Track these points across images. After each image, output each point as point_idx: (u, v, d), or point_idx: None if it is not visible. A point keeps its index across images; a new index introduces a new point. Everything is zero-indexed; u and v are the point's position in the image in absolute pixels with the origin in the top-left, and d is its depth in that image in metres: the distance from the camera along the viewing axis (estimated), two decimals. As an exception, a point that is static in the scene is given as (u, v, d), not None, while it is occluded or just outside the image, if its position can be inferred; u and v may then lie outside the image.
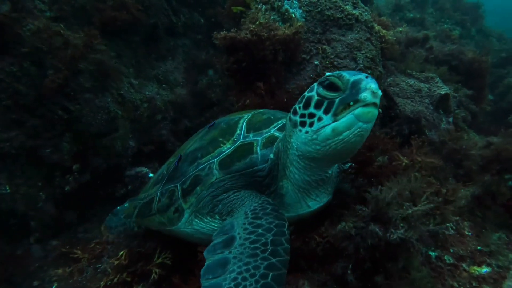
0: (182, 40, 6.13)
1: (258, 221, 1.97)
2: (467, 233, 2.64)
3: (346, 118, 1.89)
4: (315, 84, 2.05)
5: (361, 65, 3.66)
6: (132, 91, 4.87)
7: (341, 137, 1.92)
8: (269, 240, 1.83)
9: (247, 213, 2.07)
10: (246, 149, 2.41)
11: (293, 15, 3.71)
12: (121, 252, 2.87)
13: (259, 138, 2.45)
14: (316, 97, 2.00)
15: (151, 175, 4.97)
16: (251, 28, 3.43)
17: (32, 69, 3.74)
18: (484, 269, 2.37)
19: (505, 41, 11.34)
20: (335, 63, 3.63)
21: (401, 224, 1.93)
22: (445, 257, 2.41)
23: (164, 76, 5.62)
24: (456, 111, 4.74)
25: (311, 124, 2.00)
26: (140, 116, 4.92)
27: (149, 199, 2.78)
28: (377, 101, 1.86)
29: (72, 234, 4.33)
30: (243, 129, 2.56)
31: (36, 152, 3.92)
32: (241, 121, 2.65)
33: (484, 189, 2.71)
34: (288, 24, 3.60)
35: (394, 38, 4.41)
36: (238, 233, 1.94)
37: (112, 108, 4.38)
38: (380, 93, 1.87)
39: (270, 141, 2.42)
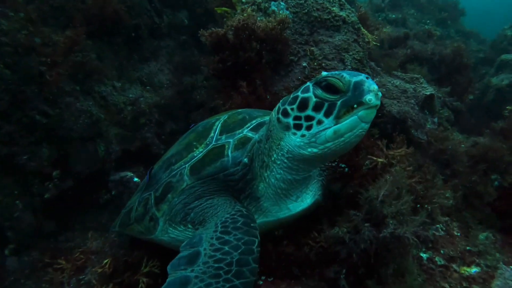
0: (166, 41, 6.01)
1: (226, 237, 1.89)
2: (456, 233, 2.67)
3: (349, 120, 1.83)
4: (310, 85, 1.96)
5: (349, 67, 3.66)
6: (115, 94, 4.74)
7: (342, 138, 1.87)
8: (234, 260, 1.75)
9: (217, 225, 1.99)
10: (217, 152, 2.33)
11: (277, 11, 3.67)
12: (106, 261, 2.76)
13: (231, 140, 2.36)
14: (314, 99, 1.90)
15: (136, 179, 4.84)
16: (239, 18, 3.36)
17: (6, 72, 3.56)
18: (474, 269, 2.40)
19: (482, 41, 11.69)
20: (323, 64, 3.62)
21: (391, 222, 1.91)
22: (436, 259, 2.42)
23: (148, 78, 5.50)
24: (440, 111, 4.82)
25: (308, 128, 1.91)
26: (124, 119, 4.78)
27: (129, 208, 2.72)
28: (379, 102, 1.84)
29: (52, 243, 4.16)
30: (216, 131, 2.48)
31: (12, 159, 3.74)
32: (217, 123, 2.56)
33: (471, 189, 2.75)
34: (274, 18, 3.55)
35: (378, 44, 4.44)
36: (204, 249, 1.85)
37: (95, 111, 4.25)
38: (380, 94, 1.84)
39: (242, 143, 2.33)
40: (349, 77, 1.84)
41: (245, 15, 3.47)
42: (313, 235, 2.30)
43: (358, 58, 3.73)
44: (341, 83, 1.84)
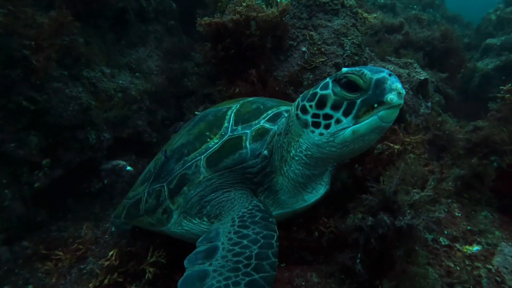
0: (154, 26, 5.81)
1: (245, 231, 1.86)
2: (457, 214, 2.77)
3: (369, 121, 1.76)
4: (330, 81, 1.89)
5: (349, 52, 3.63)
6: (105, 80, 4.57)
7: (361, 138, 1.82)
8: (253, 254, 1.72)
9: (234, 220, 1.96)
10: (234, 143, 2.27)
11: (279, 1, 3.58)
12: (111, 252, 2.70)
13: (248, 131, 2.30)
14: (333, 97, 1.83)
15: (128, 168, 4.74)
16: (238, 10, 3.25)
17: (-13, 56, 3.35)
18: (475, 248, 2.50)
19: (466, 25, 11.88)
20: (322, 49, 3.57)
21: (408, 211, 1.92)
22: (441, 239, 2.50)
23: (137, 64, 5.32)
24: (432, 95, 4.89)
25: (327, 126, 1.86)
26: (114, 107, 4.63)
27: (136, 199, 2.62)
28: (402, 101, 1.74)
29: (44, 233, 4.06)
30: (231, 122, 2.40)
31: (-1, 147, 3.58)
32: (229, 112, 2.48)
33: (471, 172, 2.83)
34: (275, 7, 3.45)
35: (377, 21, 4.41)
36: (222, 243, 1.83)
37: (85, 98, 4.08)
38: (404, 92, 1.74)
39: (260, 134, 2.28)
40: (370, 74, 1.75)
41: (244, 4, 3.34)
42: (322, 220, 2.32)
43: (357, 42, 3.71)
44: (361, 81, 1.76)
